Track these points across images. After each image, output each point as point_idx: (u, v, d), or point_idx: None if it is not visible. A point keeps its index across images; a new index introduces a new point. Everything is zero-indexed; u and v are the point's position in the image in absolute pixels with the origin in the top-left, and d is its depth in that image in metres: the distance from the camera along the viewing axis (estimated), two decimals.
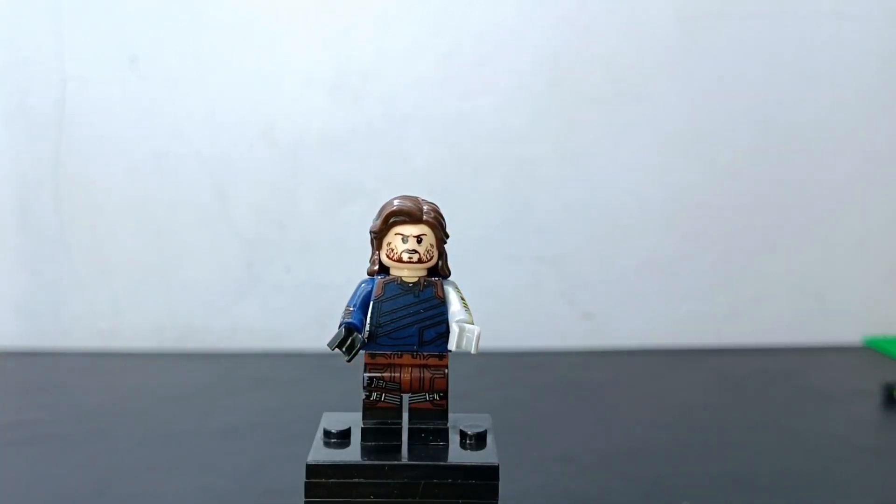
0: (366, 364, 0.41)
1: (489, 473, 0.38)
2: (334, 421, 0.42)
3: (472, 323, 0.40)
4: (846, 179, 0.91)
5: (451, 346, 0.40)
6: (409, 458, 0.39)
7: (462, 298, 0.41)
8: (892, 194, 0.92)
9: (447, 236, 0.42)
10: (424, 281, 0.41)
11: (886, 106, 0.90)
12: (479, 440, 0.41)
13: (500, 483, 0.39)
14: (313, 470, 0.39)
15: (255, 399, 0.73)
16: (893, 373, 0.80)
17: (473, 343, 0.39)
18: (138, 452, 0.60)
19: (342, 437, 0.41)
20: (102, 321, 0.87)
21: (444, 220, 0.42)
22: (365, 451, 0.40)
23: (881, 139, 0.91)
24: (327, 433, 0.41)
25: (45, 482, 0.55)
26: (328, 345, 0.40)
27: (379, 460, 0.39)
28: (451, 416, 0.42)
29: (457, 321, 0.40)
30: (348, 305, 0.41)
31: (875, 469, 0.60)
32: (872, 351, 0.90)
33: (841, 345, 0.91)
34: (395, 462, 0.39)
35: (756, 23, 0.88)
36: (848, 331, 0.92)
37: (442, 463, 0.39)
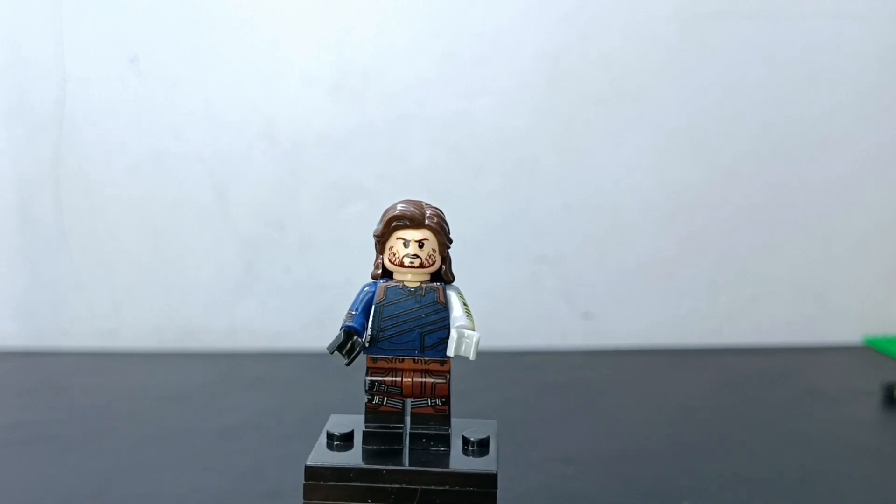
0: (367, 368, 0.41)
1: (487, 481, 0.38)
2: (338, 423, 0.42)
3: (474, 328, 0.40)
4: (846, 179, 0.91)
5: (450, 351, 0.39)
6: (408, 464, 0.39)
7: (465, 304, 0.41)
8: (892, 194, 0.92)
9: (450, 242, 0.42)
10: (426, 286, 0.41)
11: (886, 106, 0.90)
12: (481, 447, 0.40)
13: (500, 484, 0.39)
14: (312, 472, 0.39)
15: (255, 399, 0.73)
16: (893, 373, 0.80)
17: (472, 349, 0.39)
18: (138, 452, 0.60)
19: (345, 440, 0.41)
20: (102, 321, 0.87)
21: (447, 225, 0.41)
22: (365, 455, 0.40)
23: (881, 139, 0.91)
24: (330, 436, 0.41)
25: (45, 482, 0.55)
26: (328, 348, 0.40)
27: (377, 464, 0.39)
28: (456, 421, 0.42)
29: (456, 327, 0.40)
30: (350, 309, 0.41)
31: (875, 469, 0.60)
32: (872, 351, 0.90)
33: (841, 345, 0.92)
34: (393, 466, 0.39)
35: (756, 23, 0.88)
36: (848, 331, 0.93)
37: (440, 469, 0.39)
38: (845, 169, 0.91)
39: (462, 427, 0.42)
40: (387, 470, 0.39)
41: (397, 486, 0.39)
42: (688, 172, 0.89)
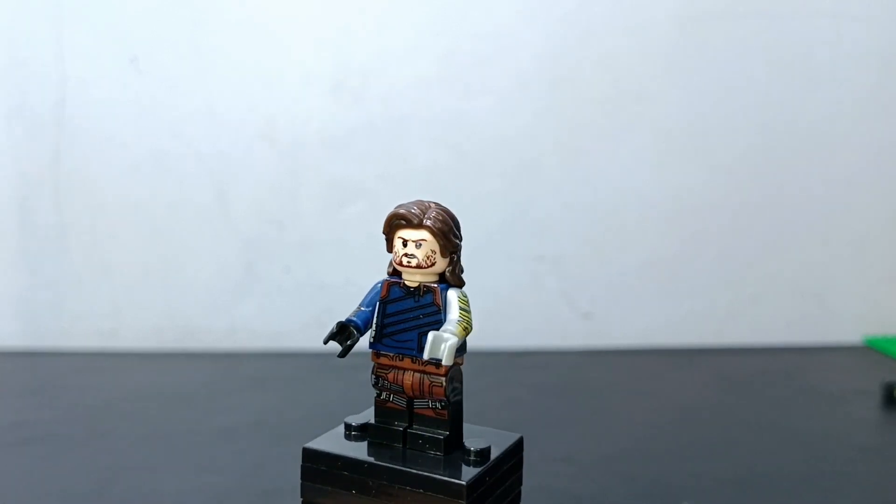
0: (373, 363, 0.42)
1: (455, 492, 0.38)
2: (362, 415, 0.43)
3: (463, 334, 0.39)
4: (846, 179, 0.91)
5: (425, 354, 0.38)
6: (392, 462, 0.39)
7: (463, 308, 0.40)
8: (892, 194, 0.92)
9: (456, 246, 0.41)
10: (425, 286, 0.41)
11: (886, 106, 0.90)
12: (478, 457, 0.40)
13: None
14: (306, 454, 0.40)
15: (255, 399, 0.73)
16: (893, 373, 0.80)
17: (445, 353, 0.38)
18: (138, 452, 0.60)
19: (360, 431, 0.42)
20: (102, 321, 0.87)
21: (452, 228, 0.41)
22: (359, 447, 0.41)
23: (881, 139, 0.91)
24: (347, 426, 0.42)
25: (45, 482, 0.55)
26: (323, 340, 0.40)
27: (364, 458, 0.40)
28: (480, 429, 0.42)
29: (437, 330, 0.39)
30: (359, 305, 0.41)
31: (875, 469, 0.60)
32: (872, 351, 0.90)
33: (841, 345, 0.92)
34: (375, 461, 0.39)
35: (756, 23, 0.88)
36: (848, 331, 0.93)
37: (417, 471, 0.39)
38: (845, 169, 0.91)
39: (473, 434, 0.42)
40: (369, 464, 0.39)
41: (378, 481, 0.39)
42: (688, 173, 0.89)
